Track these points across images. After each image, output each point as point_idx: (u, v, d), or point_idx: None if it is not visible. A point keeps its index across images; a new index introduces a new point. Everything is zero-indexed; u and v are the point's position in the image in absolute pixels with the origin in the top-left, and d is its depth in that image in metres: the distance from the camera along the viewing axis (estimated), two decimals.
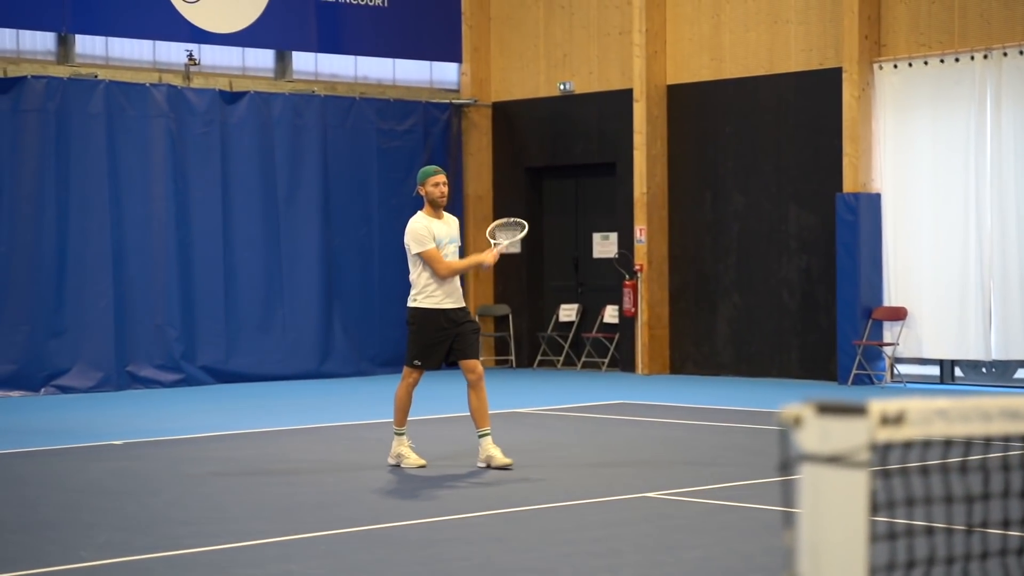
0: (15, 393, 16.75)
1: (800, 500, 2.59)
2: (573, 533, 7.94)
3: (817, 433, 2.69)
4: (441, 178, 10.55)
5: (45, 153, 17.06)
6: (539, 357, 20.62)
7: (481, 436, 10.40)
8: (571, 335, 20.31)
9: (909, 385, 17.11)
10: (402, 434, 10.45)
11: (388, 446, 10.63)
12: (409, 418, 10.55)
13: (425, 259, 10.29)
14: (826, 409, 2.68)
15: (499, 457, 10.33)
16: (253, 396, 16.67)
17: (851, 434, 2.68)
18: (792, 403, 2.67)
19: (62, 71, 17.35)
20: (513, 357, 20.64)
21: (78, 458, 11.40)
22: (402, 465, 10.34)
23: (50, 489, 9.84)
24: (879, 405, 2.68)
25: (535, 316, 20.70)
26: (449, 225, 10.53)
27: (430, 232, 10.30)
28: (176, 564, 7.29)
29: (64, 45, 17.60)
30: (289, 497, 9.32)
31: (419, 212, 10.55)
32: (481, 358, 20.13)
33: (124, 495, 9.51)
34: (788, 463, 2.67)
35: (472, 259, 10.85)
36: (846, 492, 2.66)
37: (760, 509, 8.57)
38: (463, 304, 10.58)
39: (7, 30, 17.22)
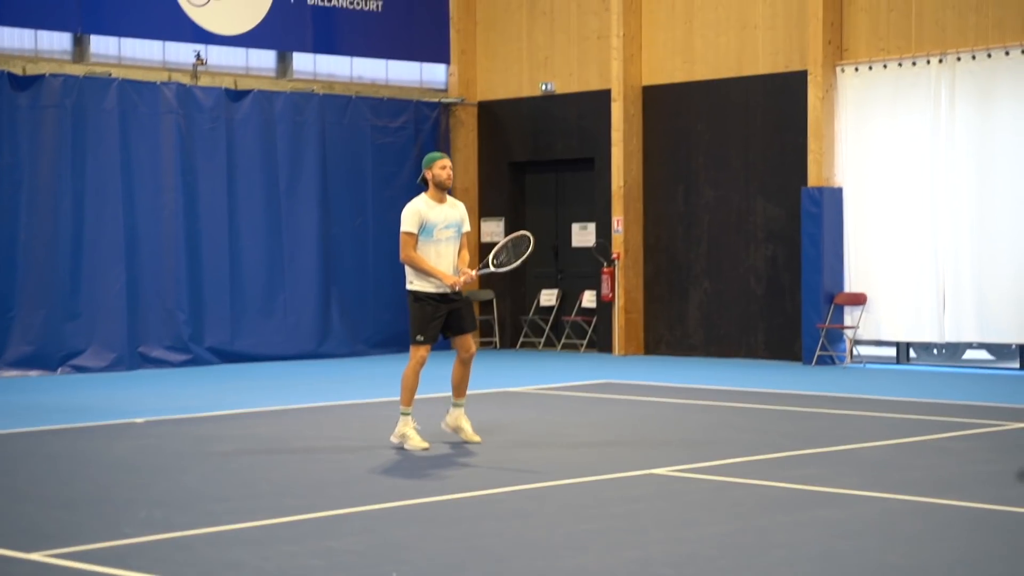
0: (33, 372, 16.31)
1: None
2: (595, 509, 7.61)
3: None
4: (447, 162, 10.00)
5: (62, 147, 16.61)
6: (521, 339, 20.29)
7: (457, 406, 10.15)
8: (551, 318, 20.00)
9: (868, 366, 16.87)
10: (408, 414, 9.93)
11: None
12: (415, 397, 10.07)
13: (401, 240, 9.84)
14: None
15: (470, 431, 10.11)
16: (259, 376, 16.28)
17: None
18: None
19: (78, 69, 16.89)
20: (497, 339, 20.31)
21: (103, 436, 11.00)
22: (405, 447, 9.82)
23: (81, 466, 9.44)
24: None
25: (517, 300, 20.37)
26: (452, 208, 9.95)
27: (419, 216, 9.77)
28: (218, 541, 6.92)
29: (79, 45, 17.13)
30: (314, 474, 8.97)
31: (422, 194, 9.97)
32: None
33: (155, 471, 9.13)
34: None
35: (436, 271, 9.76)
36: None
37: (765, 486, 8.27)
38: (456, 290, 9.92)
39: (26, 30, 16.73)
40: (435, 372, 12.32)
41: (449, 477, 8.81)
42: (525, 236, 10.20)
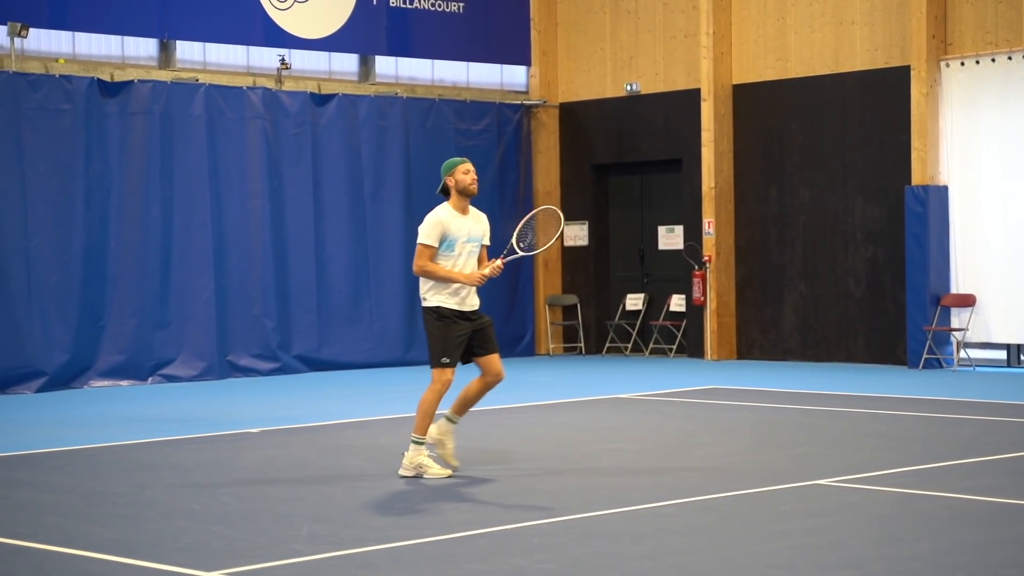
0: (124, 382, 16.06)
1: None
2: (781, 524, 7.22)
3: None
4: (471, 166, 8.94)
5: (151, 153, 16.37)
6: (607, 344, 19.91)
7: (451, 421, 9.08)
8: (638, 323, 19.60)
9: (978, 368, 16.41)
10: (423, 443, 8.89)
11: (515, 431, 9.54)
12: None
13: (417, 250, 8.85)
14: None
15: (451, 453, 9.03)
16: (350, 383, 15.97)
17: None
18: None
19: (164, 75, 16.63)
20: (582, 344, 19.94)
21: (222, 446, 10.69)
22: (425, 477, 8.79)
23: (215, 478, 9.11)
24: None
25: (603, 305, 20.00)
26: (475, 221, 8.95)
27: (441, 227, 8.79)
28: (397, 557, 6.57)
29: (165, 51, 16.88)
30: (459, 486, 8.60)
31: (444, 204, 8.95)
32: (551, 346, 19.59)
33: (293, 484, 8.79)
34: None
35: (456, 274, 8.79)
36: None
37: (950, 498, 7.86)
38: (475, 306, 8.93)
39: (113, 37, 16.48)
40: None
41: (602, 491, 8.41)
42: (553, 212, 9.16)
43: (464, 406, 9.14)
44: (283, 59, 17.49)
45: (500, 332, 18.75)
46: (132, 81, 16.24)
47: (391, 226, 18.36)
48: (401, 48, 18.71)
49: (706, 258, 18.30)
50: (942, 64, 16.35)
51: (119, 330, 16.17)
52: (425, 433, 8.93)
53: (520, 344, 19.57)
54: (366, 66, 18.62)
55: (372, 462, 9.65)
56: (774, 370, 16.76)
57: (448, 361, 8.85)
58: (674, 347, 19.12)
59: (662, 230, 19.42)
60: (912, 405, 12.61)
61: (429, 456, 8.95)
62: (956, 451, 9.61)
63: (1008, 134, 15.95)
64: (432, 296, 8.91)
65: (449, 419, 9.16)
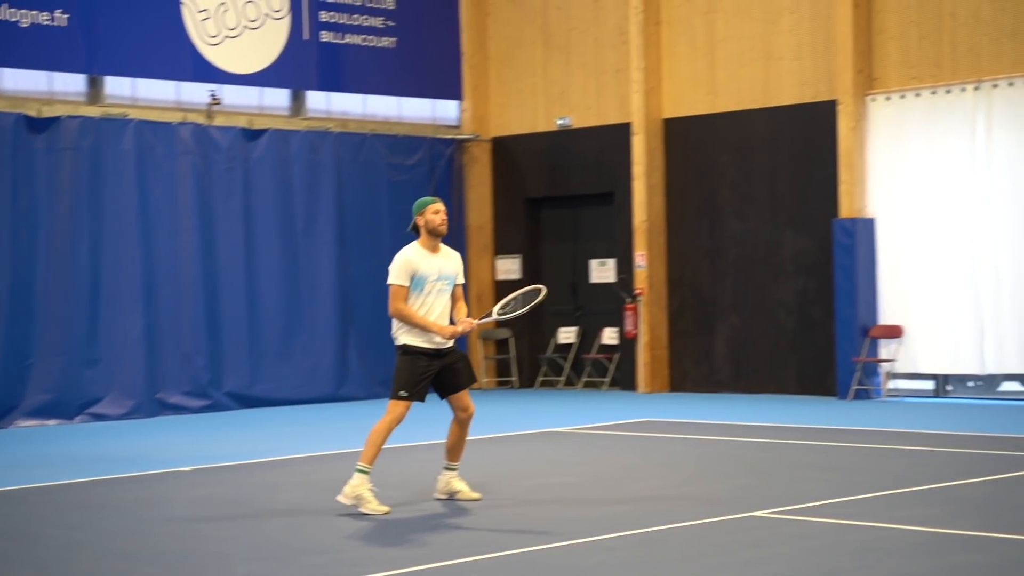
0: (51, 421, 15.85)
1: None
2: (720, 557, 7.25)
3: None
4: (441, 206, 8.98)
5: (79, 190, 16.22)
6: (540, 378, 19.94)
7: (450, 469, 9.25)
8: (571, 356, 19.66)
9: (906, 399, 16.60)
10: (367, 472, 8.84)
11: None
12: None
13: (390, 293, 8.85)
14: None
15: (467, 491, 9.27)
16: (283, 420, 15.85)
17: None
18: None
19: (93, 111, 16.50)
20: (515, 378, 19.96)
21: (154, 485, 10.56)
22: (361, 509, 8.77)
23: (147, 517, 9.00)
24: None
25: (535, 339, 20.03)
26: (446, 259, 9.00)
27: (410, 267, 8.83)
28: None
29: (94, 86, 16.74)
30: (400, 522, 8.56)
31: (414, 243, 8.99)
32: (484, 380, 19.60)
33: (228, 521, 8.71)
34: None
35: (431, 324, 8.85)
36: None
37: (885, 528, 7.93)
38: (443, 344, 8.97)
39: (40, 72, 16.33)
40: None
41: (535, 526, 8.41)
42: (537, 289, 9.25)
43: (454, 451, 9.26)
44: (213, 94, 17.43)
45: None
46: (60, 117, 16.10)
47: (323, 261, 18.30)
48: (333, 83, 18.70)
49: (638, 291, 18.40)
50: (868, 99, 16.60)
51: (46, 368, 15.96)
52: (371, 463, 8.91)
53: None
54: (298, 101, 18.59)
55: (308, 499, 9.58)
56: (707, 402, 16.86)
57: (405, 395, 8.91)
58: (607, 380, 19.18)
59: (594, 263, 19.51)
60: (843, 436, 12.73)
61: (371, 490, 8.90)
62: (888, 481, 9.70)
63: (932, 167, 16.20)
64: (402, 336, 8.96)
65: (448, 468, 9.30)
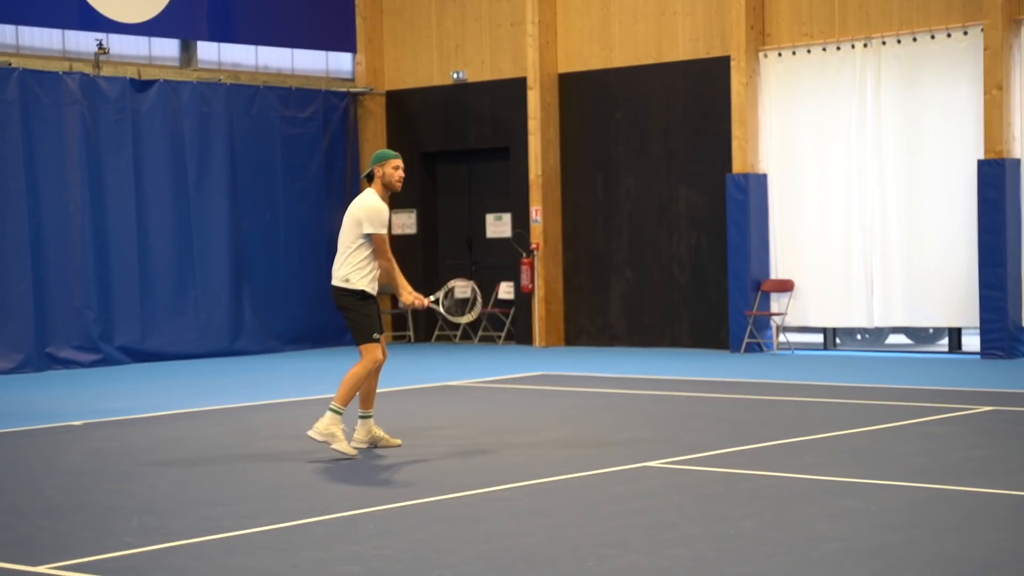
0: None
1: None
2: (612, 506, 7.37)
3: None
4: (401, 162, 9.31)
5: None
6: (436, 332, 19.99)
7: (367, 417, 9.43)
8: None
9: (796, 352, 16.91)
10: (341, 413, 9.10)
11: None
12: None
13: (376, 242, 9.06)
14: None
15: (388, 437, 9.50)
16: (175, 375, 15.73)
17: None
18: None
19: None
20: (411, 332, 19.99)
21: (43, 440, 10.45)
22: (332, 446, 9.00)
23: (38, 472, 8.93)
24: None
25: (431, 293, 19.94)
26: None
27: (385, 216, 9.14)
28: (231, 547, 6.54)
29: None
30: (293, 476, 8.59)
31: (371, 190, 9.24)
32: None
33: (121, 476, 8.66)
34: None
35: (406, 287, 9.35)
36: None
37: (773, 476, 8.12)
38: None
39: None
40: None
41: (438, 476, 8.51)
42: (473, 298, 9.81)
43: (367, 398, 9.40)
44: (100, 43, 17.16)
45: (329, 321, 18.88)
46: None
47: (215, 214, 18.14)
48: (224, 33, 18.48)
49: (534, 246, 18.50)
50: (760, 55, 16.80)
51: None
52: (346, 404, 9.12)
53: (348, 334, 19.50)
54: (188, 51, 18.35)
55: (202, 452, 9.56)
56: (602, 356, 17.04)
57: (377, 337, 9.19)
58: (503, 334, 19.29)
59: (490, 218, 19.57)
60: (735, 388, 12.96)
61: (343, 430, 9.12)
62: (777, 432, 9.92)
63: (823, 123, 16.46)
64: (358, 279, 9.16)
65: (364, 416, 9.43)
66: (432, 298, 9.62)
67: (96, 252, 16.93)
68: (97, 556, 6.35)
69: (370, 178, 9.33)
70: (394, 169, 9.31)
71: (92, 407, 12.40)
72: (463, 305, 9.92)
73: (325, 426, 9.07)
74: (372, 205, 9.17)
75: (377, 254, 9.18)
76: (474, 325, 19.61)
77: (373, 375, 9.34)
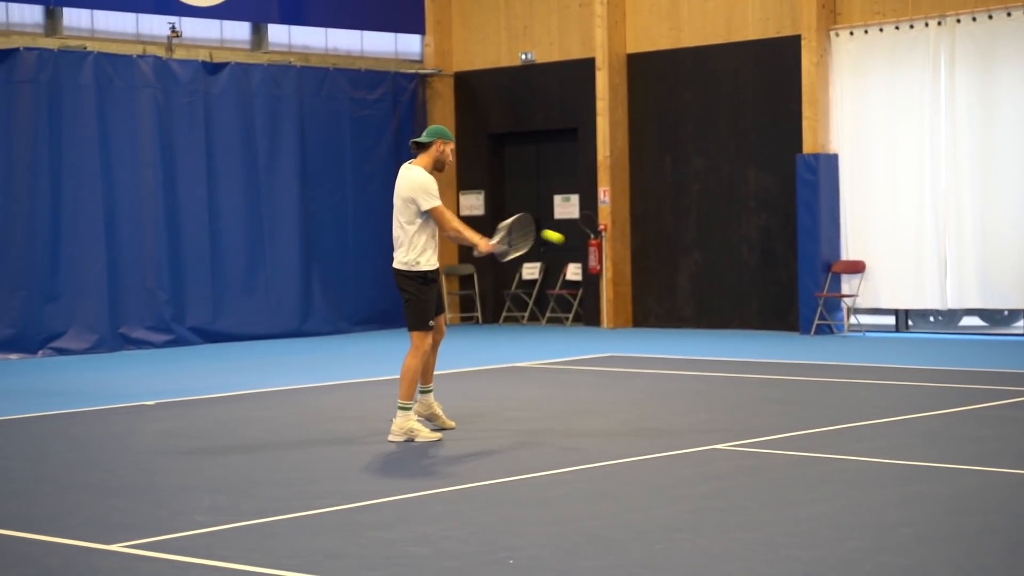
0: (14, 356, 15.78)
1: None
2: (680, 489, 7.31)
3: None
4: (453, 146, 9.26)
5: (38, 123, 16.06)
6: (504, 313, 19.97)
7: (426, 392, 9.32)
8: (535, 292, 19.69)
9: (868, 334, 16.71)
10: (410, 408, 9.00)
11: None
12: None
13: (436, 215, 8.88)
14: None
15: (444, 417, 9.39)
16: (246, 355, 15.83)
17: None
18: None
19: (51, 43, 16.31)
20: (479, 314, 19.99)
21: (118, 419, 10.55)
22: (417, 440, 8.93)
23: (112, 451, 9.01)
24: None
25: (499, 275, 20.02)
26: None
27: (435, 186, 8.98)
28: (300, 527, 6.54)
29: (52, 18, 16.55)
30: (360, 457, 8.59)
31: (417, 164, 9.05)
32: (448, 315, 19.61)
33: (192, 456, 8.71)
34: None
35: (477, 236, 9.20)
36: None
37: (846, 460, 8.01)
38: None
39: None
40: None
41: (504, 457, 8.47)
42: (526, 217, 9.56)
43: (427, 373, 9.28)
44: (173, 27, 17.24)
45: (398, 303, 18.85)
46: (18, 49, 15.91)
47: (286, 196, 18.21)
48: (294, 16, 18.53)
49: (602, 227, 18.41)
50: (832, 34, 16.58)
51: (8, 303, 15.89)
52: (411, 398, 9.02)
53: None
54: (259, 34, 18.41)
55: (271, 433, 9.59)
56: (670, 338, 16.94)
57: (433, 324, 9.09)
58: (570, 316, 19.23)
59: (558, 199, 19.49)
60: (805, 370, 12.82)
61: (418, 420, 9.11)
62: (849, 415, 9.79)
63: (895, 103, 16.22)
64: (426, 260, 9.02)
65: (424, 391, 9.32)
66: (495, 240, 9.31)
67: (168, 234, 17.06)
68: (168, 535, 6.38)
69: (423, 147, 9.14)
70: (452, 152, 9.24)
71: (164, 387, 12.50)
72: (524, 232, 9.56)
73: (399, 425, 9.00)
74: (419, 180, 8.97)
75: (442, 227, 9.03)
76: (541, 306, 19.56)
77: (432, 350, 9.24)
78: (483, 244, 9.19)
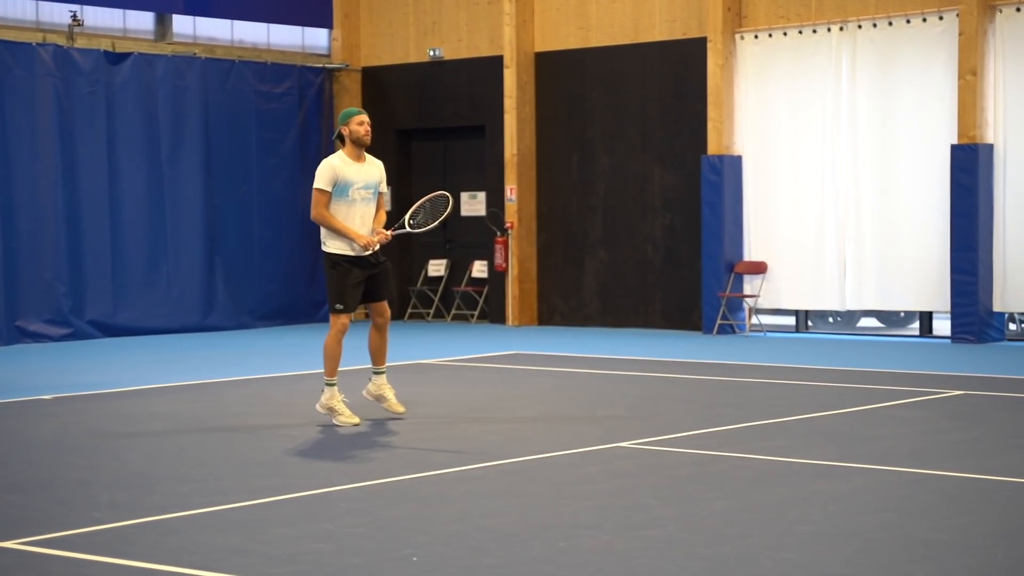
0: None
1: None
2: (585, 486, 7.36)
3: None
4: (365, 117, 9.44)
5: None
6: (409, 310, 19.94)
7: (378, 374, 9.71)
8: (440, 289, 19.68)
9: (769, 334, 16.93)
10: (334, 384, 9.43)
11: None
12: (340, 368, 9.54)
13: (313, 197, 9.27)
14: None
15: (394, 401, 9.72)
16: (147, 350, 15.64)
17: None
18: None
19: None
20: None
21: (12, 413, 10.38)
22: (334, 421, 9.35)
23: (6, 446, 8.86)
24: None
25: (404, 271, 19.99)
26: (370, 168, 9.40)
27: (332, 172, 9.23)
28: (204, 525, 6.49)
29: None
30: (265, 452, 8.54)
31: (339, 151, 9.43)
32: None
33: (91, 452, 8.60)
34: None
35: (348, 229, 9.21)
36: None
37: (745, 458, 8.12)
38: (369, 251, 9.37)
39: None
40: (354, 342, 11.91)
41: (412, 454, 8.48)
42: (443, 196, 9.71)
43: (377, 355, 9.67)
44: (75, 15, 17.00)
45: (302, 298, 18.85)
46: None
47: (189, 189, 18.03)
48: (199, 7, 18.34)
49: (508, 224, 18.45)
50: (737, 36, 16.77)
51: None
52: (332, 375, 9.42)
53: (322, 310, 19.42)
54: (163, 25, 18.21)
55: (173, 429, 9.50)
56: (575, 336, 17.03)
57: (341, 307, 9.35)
58: (476, 313, 19.26)
59: (464, 196, 19.50)
60: (707, 370, 12.96)
61: (342, 401, 9.46)
62: (750, 414, 9.92)
63: (798, 106, 16.45)
64: (330, 242, 9.34)
65: (376, 372, 9.71)
66: (395, 227, 9.47)
67: (68, 225, 16.81)
68: (67, 532, 6.30)
69: (341, 139, 9.47)
70: (358, 124, 9.44)
71: (62, 382, 12.32)
72: (436, 209, 9.69)
73: (322, 403, 9.46)
74: (322, 164, 9.37)
75: (311, 210, 9.31)
76: (447, 303, 19.56)
77: (376, 333, 9.59)
78: (360, 240, 9.29)
